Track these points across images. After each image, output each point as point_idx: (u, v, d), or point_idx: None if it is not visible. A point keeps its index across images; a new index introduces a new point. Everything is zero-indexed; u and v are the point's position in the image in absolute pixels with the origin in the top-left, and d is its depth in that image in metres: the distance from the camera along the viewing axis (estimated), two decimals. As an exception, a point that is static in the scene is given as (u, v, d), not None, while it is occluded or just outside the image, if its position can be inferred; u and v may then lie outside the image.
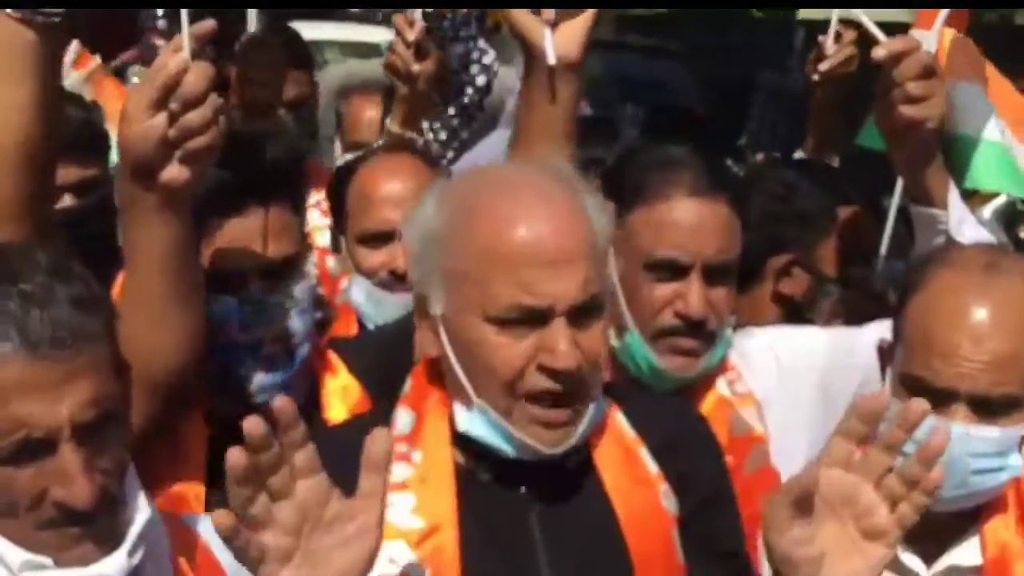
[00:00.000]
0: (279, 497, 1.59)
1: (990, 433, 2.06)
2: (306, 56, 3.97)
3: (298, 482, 1.59)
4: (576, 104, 2.36)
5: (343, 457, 1.68)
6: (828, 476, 1.72)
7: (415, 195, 2.38)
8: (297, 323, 2.23)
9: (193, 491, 2.16)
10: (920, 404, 1.70)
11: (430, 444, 1.92)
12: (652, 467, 1.96)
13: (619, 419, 1.99)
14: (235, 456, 1.53)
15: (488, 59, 4.07)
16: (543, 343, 1.84)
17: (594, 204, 1.94)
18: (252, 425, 1.54)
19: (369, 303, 2.83)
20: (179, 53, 1.88)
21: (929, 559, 2.20)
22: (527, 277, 1.83)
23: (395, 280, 2.78)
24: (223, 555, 1.75)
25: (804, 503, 1.72)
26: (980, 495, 2.13)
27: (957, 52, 3.03)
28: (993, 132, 3.07)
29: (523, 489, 1.92)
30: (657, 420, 2.02)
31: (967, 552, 2.18)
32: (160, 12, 4.93)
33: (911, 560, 2.20)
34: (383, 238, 2.82)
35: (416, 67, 3.44)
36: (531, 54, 2.30)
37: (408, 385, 2.01)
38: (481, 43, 4.07)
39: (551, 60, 2.26)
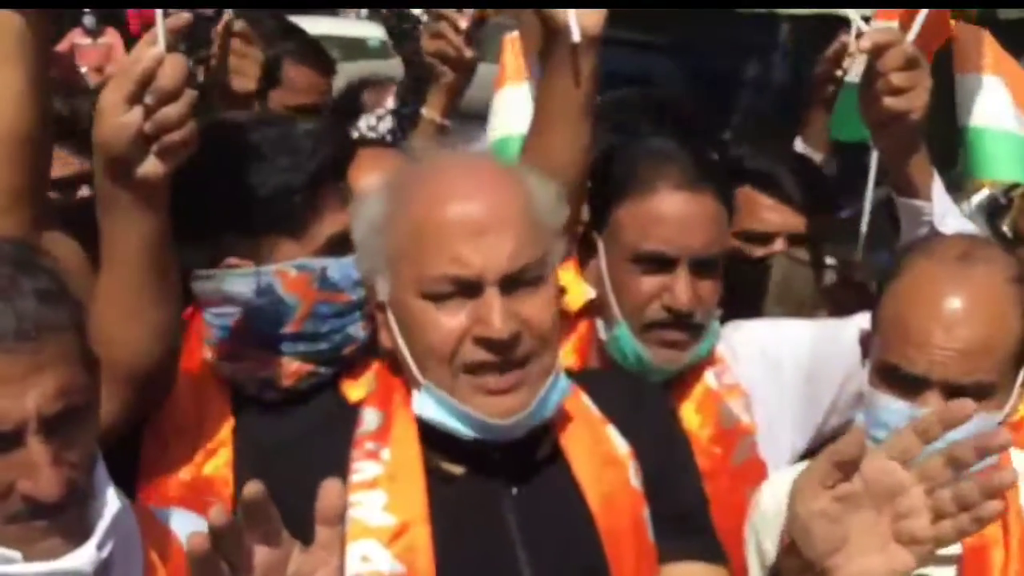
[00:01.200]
0: (240, 571, 1.55)
1: None
2: (320, 56, 3.77)
3: (258, 548, 1.56)
4: (597, 81, 2.32)
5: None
6: (884, 465, 1.65)
7: None
8: None
9: (220, 475, 2.16)
10: (1004, 434, 1.64)
11: (398, 440, 1.91)
12: (621, 446, 1.96)
13: (584, 400, 1.99)
14: (196, 541, 1.50)
15: None
16: (477, 314, 1.84)
17: (536, 181, 1.94)
18: (216, 515, 1.50)
19: None
20: (154, 46, 1.85)
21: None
22: (455, 249, 1.84)
23: None
24: None
25: (844, 468, 1.64)
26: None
27: (967, 44, 3.03)
28: (1010, 122, 3.06)
29: (496, 482, 1.91)
30: (612, 396, 2.01)
31: (946, 540, 2.20)
32: (87, 10, 4.80)
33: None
34: None
35: (469, 53, 3.44)
36: (552, 35, 2.27)
37: (372, 385, 2.03)
38: None
39: (576, 37, 2.23)
